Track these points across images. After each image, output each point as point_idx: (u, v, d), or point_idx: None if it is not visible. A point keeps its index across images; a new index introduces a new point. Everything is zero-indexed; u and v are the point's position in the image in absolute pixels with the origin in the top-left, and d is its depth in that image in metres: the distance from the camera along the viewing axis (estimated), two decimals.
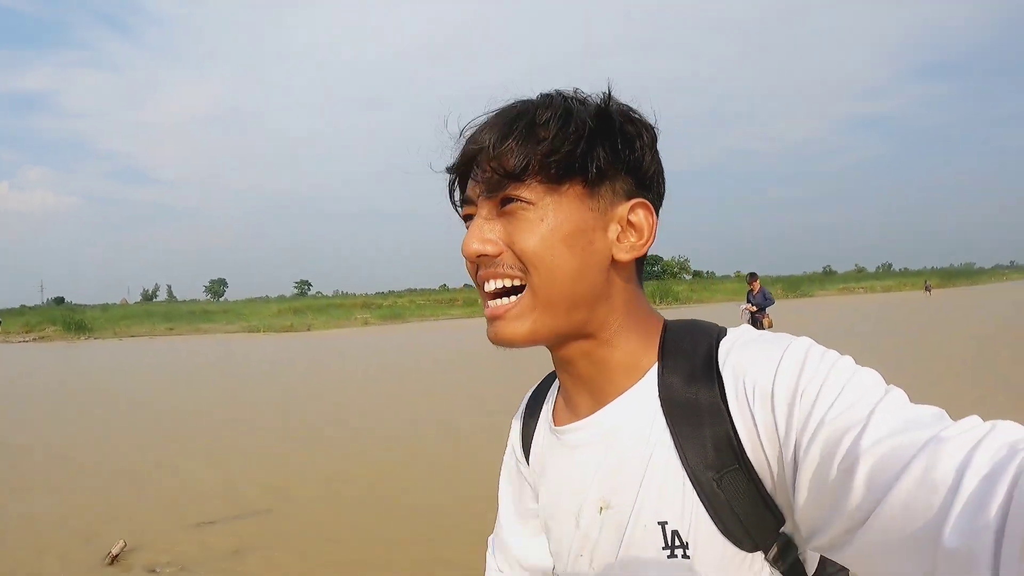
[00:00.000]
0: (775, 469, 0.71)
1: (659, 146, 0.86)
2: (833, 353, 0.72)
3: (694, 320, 0.88)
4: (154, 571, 5.08)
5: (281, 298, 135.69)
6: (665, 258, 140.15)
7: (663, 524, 0.78)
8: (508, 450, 1.09)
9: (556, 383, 0.99)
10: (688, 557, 0.77)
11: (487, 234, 0.81)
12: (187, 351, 31.12)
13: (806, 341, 0.74)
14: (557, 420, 0.95)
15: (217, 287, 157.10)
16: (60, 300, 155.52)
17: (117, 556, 5.22)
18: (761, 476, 0.73)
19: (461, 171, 0.86)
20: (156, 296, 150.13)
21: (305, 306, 75.30)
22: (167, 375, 20.25)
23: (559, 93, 0.83)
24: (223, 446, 9.44)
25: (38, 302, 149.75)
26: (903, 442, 0.59)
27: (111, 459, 8.95)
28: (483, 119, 0.84)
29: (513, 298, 0.81)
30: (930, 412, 0.63)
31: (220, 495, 6.96)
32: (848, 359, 0.71)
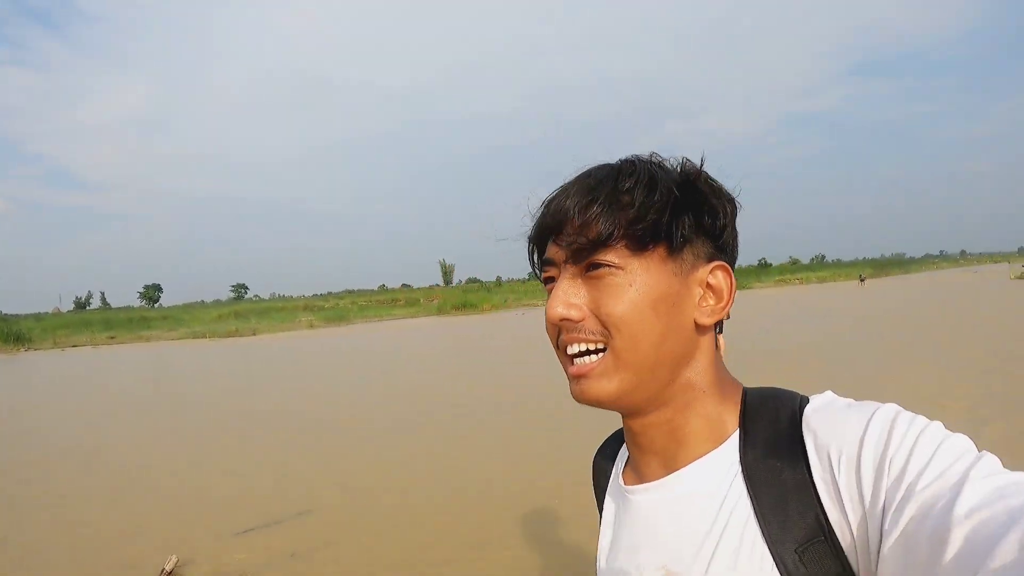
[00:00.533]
0: (860, 541, 0.69)
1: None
2: (922, 419, 0.70)
3: (774, 388, 0.86)
4: None
5: (218, 302, 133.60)
6: None
7: None
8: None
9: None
10: None
11: (572, 299, 0.82)
12: (137, 362, 30.45)
13: (893, 407, 0.72)
14: (626, 478, 0.95)
15: (152, 292, 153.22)
16: None
17: (171, 573, 5.25)
18: (846, 549, 0.71)
19: (544, 237, 0.87)
20: (90, 304, 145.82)
21: (245, 310, 74.34)
22: (128, 391, 19.93)
23: (639, 158, 0.85)
24: (245, 453, 9.56)
25: None
26: (998, 511, 0.57)
27: (139, 471, 8.97)
28: (566, 186, 0.85)
29: (596, 356, 0.82)
30: None
31: (250, 502, 7.10)
32: (938, 424, 0.69)
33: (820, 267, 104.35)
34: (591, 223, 0.80)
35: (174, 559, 5.38)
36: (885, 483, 0.66)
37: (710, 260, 0.84)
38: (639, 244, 0.80)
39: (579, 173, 0.86)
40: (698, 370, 0.85)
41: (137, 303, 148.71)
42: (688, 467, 0.84)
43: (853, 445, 0.70)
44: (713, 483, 0.81)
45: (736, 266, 0.89)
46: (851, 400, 0.78)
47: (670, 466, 0.86)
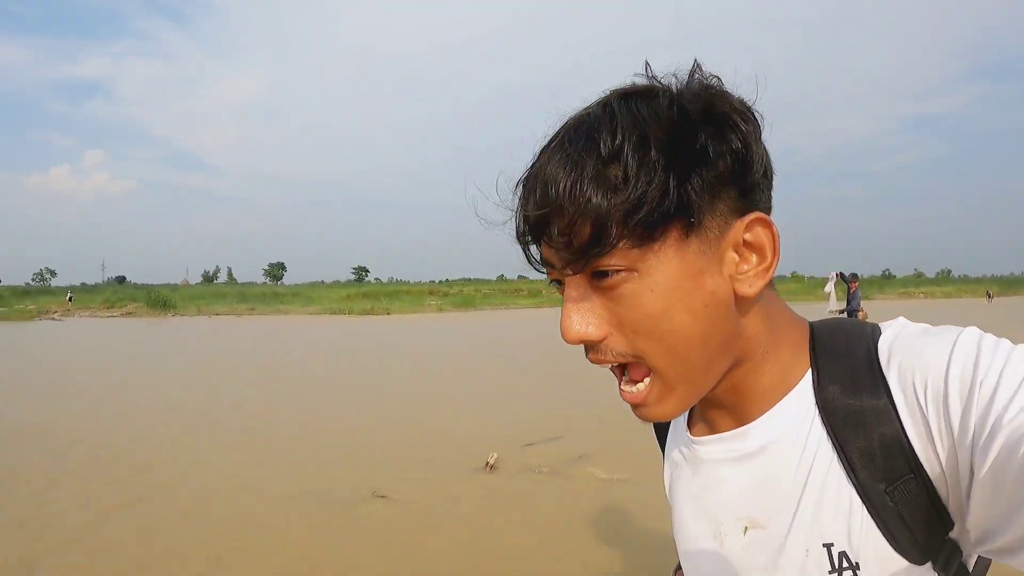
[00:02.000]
0: (949, 473, 0.66)
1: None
2: (1006, 343, 0.65)
3: (838, 319, 0.81)
4: (534, 471, 6.56)
5: (337, 283, 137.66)
6: None
7: (828, 546, 0.71)
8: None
9: None
10: None
11: (586, 317, 0.70)
12: (305, 329, 32.40)
13: (976, 332, 0.67)
14: (693, 429, 0.88)
15: (276, 271, 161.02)
16: (122, 279, 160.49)
17: (493, 464, 6.70)
18: (936, 483, 0.67)
19: (530, 237, 0.72)
20: (217, 277, 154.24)
21: (372, 291, 76.54)
22: (331, 349, 21.52)
23: (622, 99, 0.68)
24: (509, 396, 11.42)
25: (99, 280, 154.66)
26: None
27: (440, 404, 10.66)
28: (542, 160, 0.69)
29: (643, 384, 0.73)
30: None
31: (526, 428, 8.55)
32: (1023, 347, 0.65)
33: (946, 281, 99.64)
34: (579, 220, 0.65)
35: (495, 455, 6.88)
36: (974, 414, 0.62)
37: (742, 214, 0.69)
38: (647, 235, 0.65)
39: (558, 131, 0.71)
40: (756, 332, 0.75)
41: (261, 279, 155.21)
42: (761, 418, 0.78)
43: (939, 375, 0.65)
44: (790, 429, 0.76)
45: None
46: (927, 325, 0.73)
47: (741, 419, 0.80)
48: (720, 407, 0.82)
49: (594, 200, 0.64)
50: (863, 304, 17.19)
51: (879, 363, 0.70)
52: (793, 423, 0.76)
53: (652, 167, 0.63)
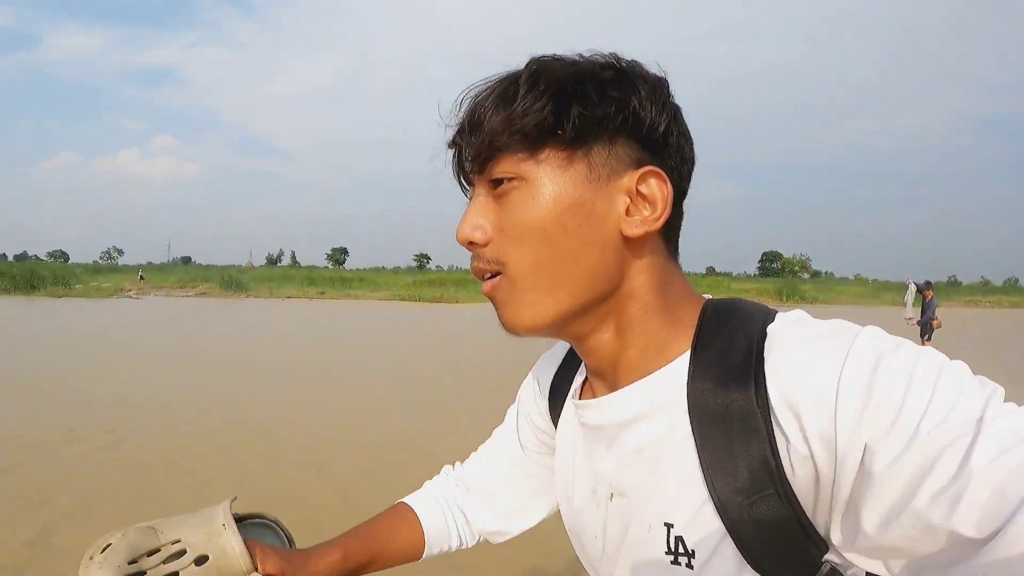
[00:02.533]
0: (826, 491, 0.63)
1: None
2: (910, 344, 0.63)
3: (737, 301, 0.78)
4: None
5: (397, 269, 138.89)
6: (786, 255, 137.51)
7: (669, 526, 0.73)
8: (530, 390, 1.08)
9: None
10: (692, 568, 0.71)
11: (478, 220, 0.77)
12: (409, 317, 32.31)
13: (873, 332, 0.65)
14: (583, 393, 0.91)
15: (339, 255, 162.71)
16: (187, 259, 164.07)
17: None
18: (803, 500, 0.64)
19: (454, 146, 0.81)
20: (280, 261, 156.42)
21: (438, 279, 76.65)
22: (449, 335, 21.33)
23: (544, 55, 0.77)
24: None
25: (164, 260, 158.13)
26: (1022, 457, 0.52)
27: None
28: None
29: (493, 281, 0.77)
30: None
31: None
32: (930, 350, 0.63)
33: (1013, 290, 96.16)
34: (481, 124, 0.74)
35: None
36: (869, 424, 0.59)
37: (639, 166, 0.75)
38: (530, 146, 0.73)
39: (491, 79, 0.79)
40: (637, 286, 0.77)
41: (323, 263, 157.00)
42: (629, 386, 0.78)
43: (829, 378, 0.62)
44: (656, 407, 0.75)
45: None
46: (824, 325, 0.69)
47: (613, 388, 0.81)
48: (598, 374, 0.84)
49: (490, 112, 0.73)
50: (938, 313, 16.71)
51: (759, 362, 0.68)
52: (659, 401, 0.75)
53: (538, 93, 0.71)
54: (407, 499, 1.13)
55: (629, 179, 0.74)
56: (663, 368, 0.76)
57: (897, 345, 0.62)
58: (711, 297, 0.82)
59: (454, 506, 1.12)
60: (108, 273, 70.56)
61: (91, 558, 0.77)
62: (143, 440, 7.36)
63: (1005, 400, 0.59)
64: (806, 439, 0.62)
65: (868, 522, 0.59)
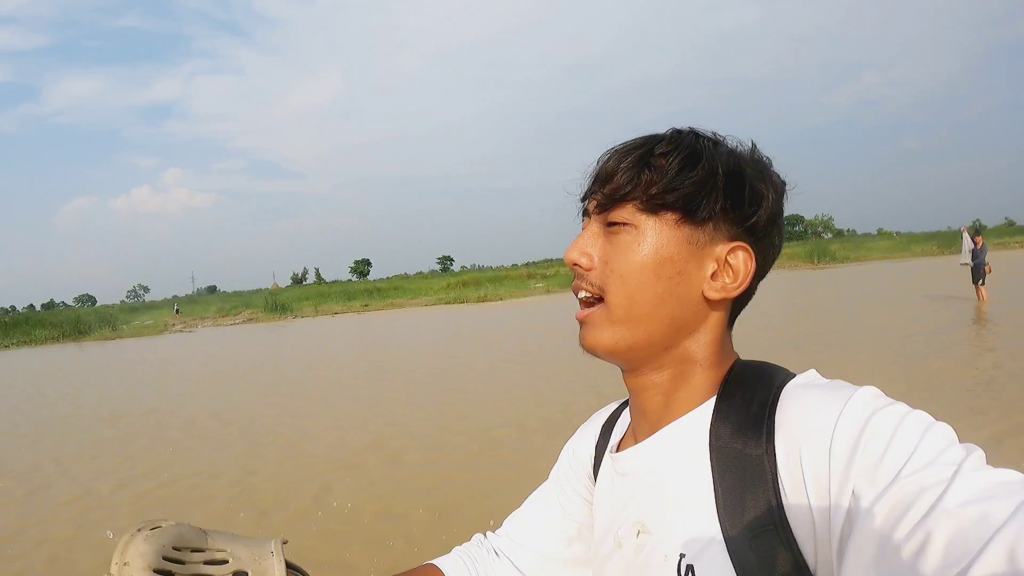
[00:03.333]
0: (820, 530, 0.68)
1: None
2: (902, 405, 0.69)
3: (764, 363, 0.87)
4: None
5: (419, 274, 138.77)
6: (808, 217, 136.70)
7: (682, 556, 0.79)
8: (568, 453, 1.14)
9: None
10: None
11: (587, 247, 0.89)
12: (476, 321, 32.53)
13: (871, 391, 0.71)
14: (621, 446, 0.99)
15: (362, 267, 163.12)
16: (212, 289, 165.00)
17: None
18: (800, 540, 0.70)
19: (586, 193, 0.93)
20: (306, 279, 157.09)
21: (473, 278, 76.74)
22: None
23: (690, 131, 0.89)
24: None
25: (190, 291, 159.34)
26: (990, 509, 0.55)
27: None
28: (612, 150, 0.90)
29: (592, 308, 0.88)
30: (1019, 478, 0.59)
31: None
32: (921, 413, 0.67)
33: None
34: (614, 179, 0.86)
35: None
36: (857, 469, 0.64)
37: (732, 240, 0.86)
38: (653, 206, 0.84)
39: (631, 139, 0.91)
40: (700, 343, 0.88)
41: (348, 277, 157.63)
42: (665, 428, 0.88)
43: (825, 426, 0.69)
44: (683, 449, 0.84)
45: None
46: (833, 381, 0.77)
47: (655, 429, 0.90)
48: (644, 414, 0.92)
49: (630, 170, 0.85)
50: (989, 259, 17.27)
51: (772, 410, 0.77)
52: (687, 444, 0.84)
53: (689, 177, 0.83)
54: (434, 560, 1.15)
55: (722, 249, 0.86)
56: (690, 413, 0.86)
57: (892, 403, 0.69)
58: (741, 358, 0.91)
59: (481, 567, 1.14)
60: (143, 311, 71.33)
61: (139, 530, 0.77)
62: (454, 457, 7.75)
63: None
64: (804, 482, 0.69)
65: (854, 563, 0.62)
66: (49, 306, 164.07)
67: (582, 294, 0.89)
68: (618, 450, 0.99)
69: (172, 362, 22.70)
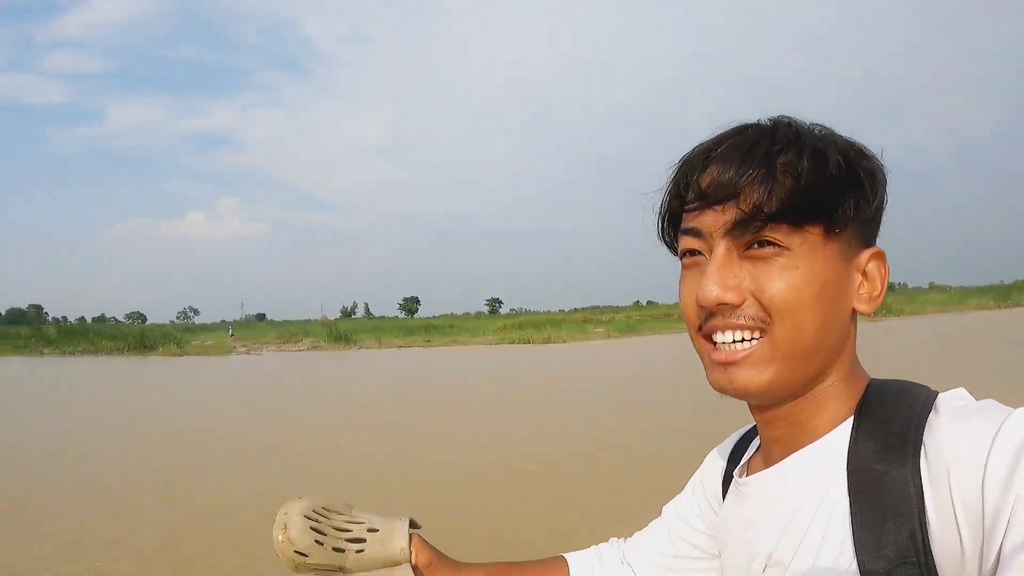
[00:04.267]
0: (969, 563, 0.64)
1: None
2: None
3: (903, 382, 0.81)
4: None
5: (467, 314, 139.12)
6: None
7: None
8: (696, 482, 1.09)
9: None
10: None
11: (730, 280, 0.77)
12: (567, 360, 32.80)
13: None
14: (749, 470, 0.94)
15: (411, 304, 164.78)
16: (262, 316, 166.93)
17: None
18: (943, 573, 0.65)
19: (696, 203, 0.80)
20: (355, 313, 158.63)
21: (532, 321, 76.70)
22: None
23: (798, 122, 0.81)
24: None
25: (238, 317, 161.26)
26: None
27: None
28: (709, 145, 0.81)
29: (749, 344, 0.78)
30: None
31: None
32: None
33: None
34: (744, 192, 0.76)
35: None
36: (1016, 501, 0.60)
37: (866, 246, 0.82)
38: (797, 222, 0.75)
39: (723, 131, 0.82)
40: (842, 363, 0.82)
41: (396, 314, 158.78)
42: (797, 454, 0.82)
43: (977, 455, 0.64)
44: (818, 473, 0.78)
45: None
46: (985, 402, 0.72)
47: (787, 452, 0.84)
48: (776, 440, 0.86)
49: (766, 181, 0.75)
50: None
51: (918, 433, 0.71)
52: (821, 468, 0.78)
53: (824, 176, 0.75)
54: (567, 554, 1.16)
55: (863, 257, 0.81)
56: (827, 435, 0.80)
57: None
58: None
59: (609, 570, 1.13)
60: (197, 332, 72.34)
61: (300, 497, 0.99)
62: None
63: None
64: (953, 510, 0.64)
65: None
66: (100, 319, 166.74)
67: (732, 335, 0.79)
68: (747, 474, 0.93)
69: (326, 382, 22.87)
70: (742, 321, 0.77)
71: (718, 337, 0.80)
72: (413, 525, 1.05)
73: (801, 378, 0.79)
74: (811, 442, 0.81)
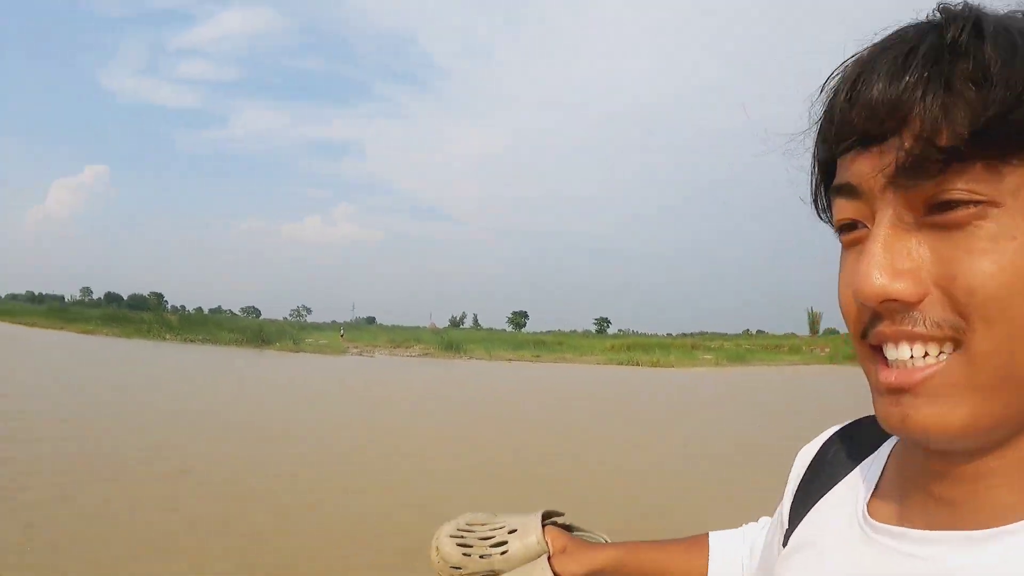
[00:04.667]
0: None
1: None
2: None
3: None
4: None
5: (574, 332, 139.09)
6: None
7: None
8: (776, 520, 0.85)
9: (883, 451, 0.69)
10: None
11: (902, 261, 0.51)
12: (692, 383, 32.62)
13: None
14: (874, 510, 0.63)
15: (519, 319, 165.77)
16: (371, 319, 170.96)
17: None
18: None
19: (843, 143, 0.55)
20: (463, 323, 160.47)
21: (639, 343, 76.67)
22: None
23: (979, 10, 0.51)
24: None
25: (348, 319, 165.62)
26: None
27: None
28: (866, 61, 0.54)
29: (934, 359, 0.50)
30: None
31: None
32: None
33: None
34: (912, 115, 0.49)
35: None
36: None
37: None
38: (1001, 157, 0.47)
39: (881, 40, 0.54)
40: None
41: (504, 327, 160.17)
42: (998, 530, 0.52)
43: None
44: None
45: None
46: None
47: (960, 519, 0.55)
48: (936, 498, 0.57)
49: (941, 89, 0.48)
50: None
51: None
52: None
53: (1018, 71, 0.47)
54: (712, 532, 1.08)
55: None
56: None
57: None
58: None
59: (755, 551, 0.97)
60: (310, 330, 74.62)
61: (448, 521, 1.10)
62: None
63: None
64: None
65: None
66: (216, 311, 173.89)
67: (906, 348, 0.52)
68: (883, 518, 0.62)
69: (415, 385, 23.22)
70: (921, 329, 0.51)
71: (889, 352, 0.53)
72: (549, 515, 1.12)
73: (1016, 415, 0.51)
74: (1007, 514, 0.52)
